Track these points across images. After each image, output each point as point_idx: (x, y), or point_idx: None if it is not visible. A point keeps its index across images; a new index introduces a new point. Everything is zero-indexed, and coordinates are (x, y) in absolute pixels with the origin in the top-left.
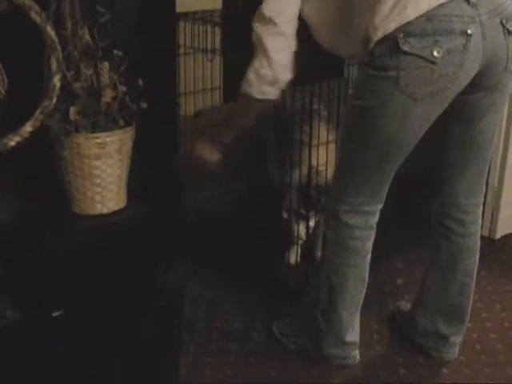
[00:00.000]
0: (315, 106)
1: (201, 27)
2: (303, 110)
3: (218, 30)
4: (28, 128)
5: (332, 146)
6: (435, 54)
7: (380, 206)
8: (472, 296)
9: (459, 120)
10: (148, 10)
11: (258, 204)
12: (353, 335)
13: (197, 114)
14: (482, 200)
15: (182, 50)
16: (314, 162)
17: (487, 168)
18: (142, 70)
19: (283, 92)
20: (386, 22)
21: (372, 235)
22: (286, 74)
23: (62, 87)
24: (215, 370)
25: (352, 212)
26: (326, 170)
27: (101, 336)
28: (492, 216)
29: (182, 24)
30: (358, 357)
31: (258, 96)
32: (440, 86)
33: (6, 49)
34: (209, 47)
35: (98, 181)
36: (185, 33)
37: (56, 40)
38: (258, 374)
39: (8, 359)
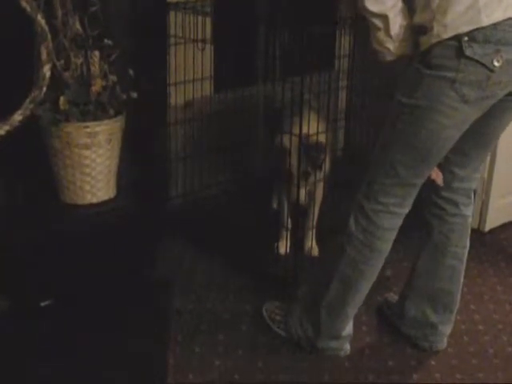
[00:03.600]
0: (306, 97)
1: (192, 17)
2: (293, 101)
3: (208, 20)
4: (18, 117)
5: (322, 137)
6: (495, 62)
7: (408, 210)
8: (461, 283)
9: (476, 121)
10: (139, 0)
11: (246, 195)
12: (348, 329)
13: (187, 103)
14: (476, 186)
15: (172, 40)
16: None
17: (485, 159)
18: (133, 60)
19: (273, 83)
20: (458, 23)
21: (394, 236)
22: None
23: (52, 76)
24: (203, 360)
25: (383, 212)
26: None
27: (89, 325)
28: (481, 208)
29: (172, 14)
30: (348, 348)
31: None
32: (491, 92)
33: None
34: (200, 37)
35: (88, 170)
36: (175, 22)
37: (46, 29)
38: (246, 364)
39: None
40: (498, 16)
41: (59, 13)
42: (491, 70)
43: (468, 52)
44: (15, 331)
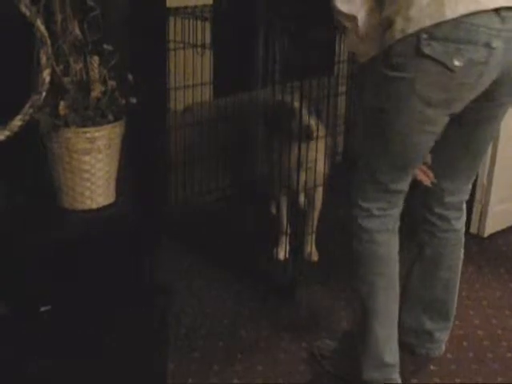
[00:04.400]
0: (305, 103)
1: (191, 22)
2: (293, 106)
3: (208, 25)
4: (17, 122)
5: (321, 142)
6: (456, 62)
7: (398, 210)
8: (457, 292)
9: (459, 123)
10: (138, 5)
11: (245, 200)
12: (391, 356)
13: (187, 108)
14: (468, 197)
15: (172, 45)
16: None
17: (477, 170)
18: (132, 65)
19: (273, 88)
20: (421, 16)
21: (394, 241)
22: None
23: (52, 81)
24: (202, 365)
25: (368, 217)
26: (316, 165)
27: (88, 330)
28: (481, 214)
29: (172, 19)
30: (399, 381)
31: None
32: (456, 94)
33: None
34: (199, 42)
35: (87, 176)
36: (175, 28)
37: (46, 34)
38: (246, 369)
39: None
40: (461, 10)
41: (59, 18)
42: (452, 70)
43: (426, 50)
44: (14, 336)
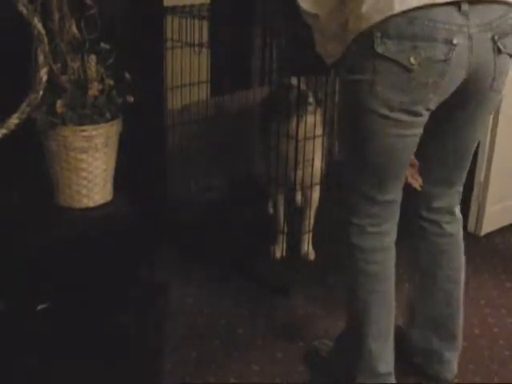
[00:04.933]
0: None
1: (189, 21)
2: (290, 103)
3: (205, 24)
4: (14, 120)
5: (319, 140)
6: (412, 60)
7: (394, 224)
8: (461, 306)
9: (438, 130)
10: (136, 4)
11: (243, 198)
12: (386, 366)
13: (184, 107)
14: (458, 202)
15: (169, 44)
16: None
17: (465, 176)
18: (130, 64)
19: (270, 86)
20: (371, 11)
21: (391, 256)
22: None
23: (49, 80)
24: (200, 364)
25: (364, 234)
26: (313, 164)
27: (85, 329)
28: (477, 213)
29: (169, 18)
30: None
31: None
32: (418, 95)
33: None
34: (196, 41)
35: (84, 174)
36: (172, 26)
37: (43, 32)
38: (243, 367)
39: None
40: (413, 2)
41: (56, 16)
42: (409, 70)
43: (380, 49)
44: (11, 334)
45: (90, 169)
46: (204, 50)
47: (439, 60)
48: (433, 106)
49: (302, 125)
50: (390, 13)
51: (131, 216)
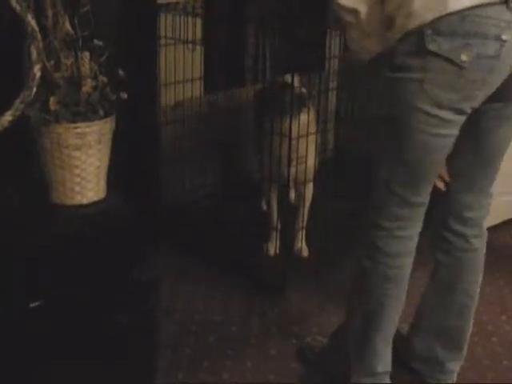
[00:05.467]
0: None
1: (182, 18)
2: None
3: (199, 21)
4: (8, 117)
5: (312, 137)
6: (463, 57)
7: (419, 229)
8: (472, 319)
9: (473, 130)
10: (130, 1)
11: (236, 196)
12: (384, 365)
13: (177, 104)
14: (488, 213)
15: (163, 41)
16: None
17: (495, 180)
18: (123, 61)
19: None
20: (423, 10)
21: (410, 262)
22: None
23: (42, 77)
24: (193, 361)
25: (389, 238)
26: (306, 161)
27: (77, 326)
28: None
29: (163, 15)
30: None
31: None
32: (467, 93)
33: None
34: (190, 38)
35: (78, 171)
36: (166, 23)
37: (36, 29)
38: (236, 364)
39: None
40: (465, 2)
41: (49, 13)
42: (460, 67)
43: (432, 47)
44: (3, 333)
45: (84, 166)
46: (197, 48)
47: (489, 56)
48: (477, 104)
49: (295, 123)
50: (444, 11)
51: (125, 213)
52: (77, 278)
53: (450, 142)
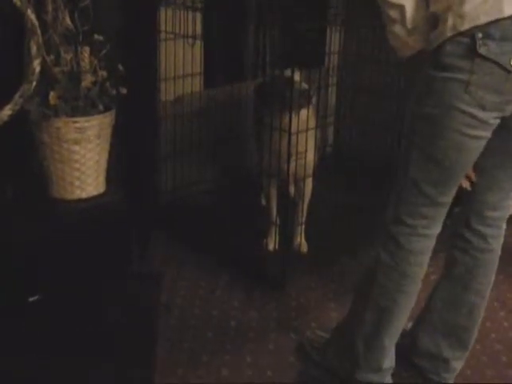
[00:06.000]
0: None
1: (182, 13)
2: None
3: (199, 16)
4: (7, 111)
5: (312, 132)
6: None
7: (440, 229)
8: (480, 320)
9: (503, 132)
10: None
11: (235, 191)
12: (389, 361)
13: (177, 99)
14: (509, 214)
15: (163, 36)
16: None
17: None
18: (123, 55)
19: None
20: (477, 12)
21: (427, 260)
22: None
23: (42, 71)
24: (192, 356)
25: (412, 235)
26: (306, 156)
27: (77, 320)
28: None
29: (163, 9)
30: (390, 381)
31: None
32: (510, 96)
33: None
34: (190, 33)
35: (77, 165)
36: (166, 18)
37: (36, 24)
38: (235, 359)
39: None
40: None
41: (49, 8)
42: (509, 71)
43: (482, 50)
44: (2, 327)
45: (83, 160)
46: (197, 42)
47: None
48: None
49: (295, 118)
50: (498, 16)
51: (124, 208)
52: (76, 272)
53: (483, 144)
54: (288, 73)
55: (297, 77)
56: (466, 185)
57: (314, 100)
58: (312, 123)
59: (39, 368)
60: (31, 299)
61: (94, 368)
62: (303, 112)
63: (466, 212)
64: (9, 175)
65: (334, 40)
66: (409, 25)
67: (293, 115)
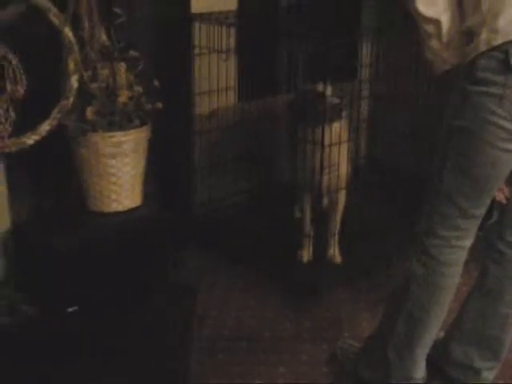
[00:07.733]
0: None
1: (216, 28)
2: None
3: (232, 31)
4: (46, 127)
5: (345, 145)
6: None
7: (472, 240)
8: None
9: None
10: (163, 11)
11: (269, 203)
12: (421, 372)
13: (211, 113)
14: None
15: (197, 51)
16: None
17: None
18: (158, 71)
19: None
20: (511, 27)
21: (459, 272)
22: None
23: (80, 87)
24: (225, 367)
25: (444, 247)
26: (339, 169)
27: (114, 330)
28: None
29: (197, 25)
30: None
31: None
32: None
33: (25, 49)
34: (223, 48)
35: (114, 179)
36: (200, 33)
37: (74, 41)
38: (268, 370)
39: (24, 353)
40: None
41: (86, 25)
42: None
43: None
44: (43, 337)
45: (119, 174)
46: (231, 57)
47: None
48: None
49: (328, 131)
50: None
51: (160, 220)
52: (113, 284)
53: None
54: (320, 87)
55: (328, 91)
56: (501, 198)
57: (345, 113)
58: (344, 136)
59: (78, 375)
60: (70, 309)
61: (129, 378)
62: (335, 125)
63: (499, 224)
64: (47, 189)
65: (366, 53)
66: (445, 39)
67: (325, 128)
